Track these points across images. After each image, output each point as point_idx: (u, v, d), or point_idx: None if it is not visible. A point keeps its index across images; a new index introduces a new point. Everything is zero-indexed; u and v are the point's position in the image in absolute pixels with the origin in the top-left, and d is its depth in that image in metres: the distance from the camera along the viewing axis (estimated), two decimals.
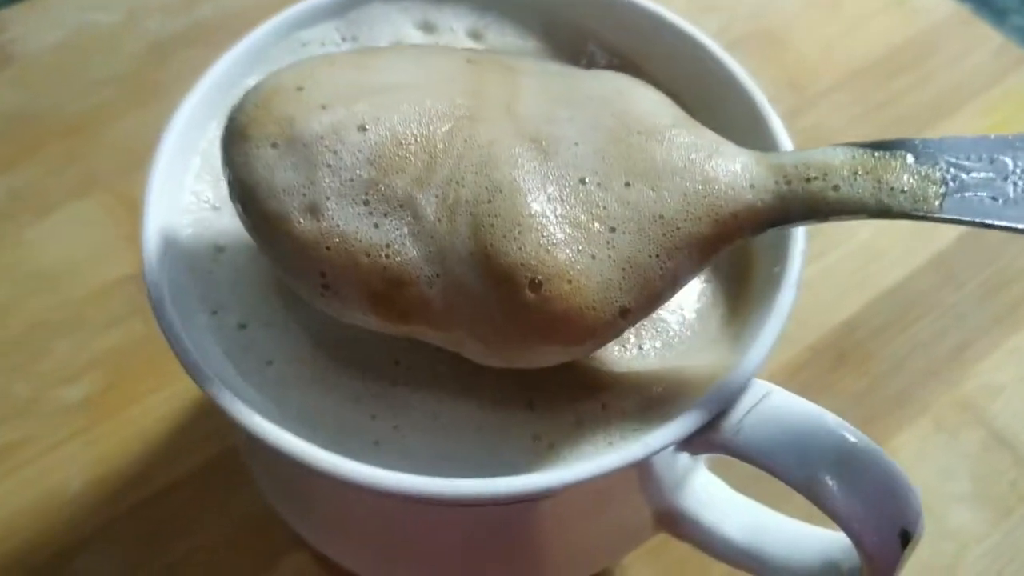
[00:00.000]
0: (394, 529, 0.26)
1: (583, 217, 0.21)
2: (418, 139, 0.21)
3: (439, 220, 0.21)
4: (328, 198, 0.21)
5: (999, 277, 0.42)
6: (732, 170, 0.22)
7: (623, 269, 0.21)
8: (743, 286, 0.25)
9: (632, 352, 0.24)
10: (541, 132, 0.22)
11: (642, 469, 0.25)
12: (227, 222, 0.26)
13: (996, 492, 0.36)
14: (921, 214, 0.21)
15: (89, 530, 0.35)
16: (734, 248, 0.22)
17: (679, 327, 0.25)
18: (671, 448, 0.22)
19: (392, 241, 0.21)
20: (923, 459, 0.37)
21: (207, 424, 0.37)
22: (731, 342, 0.24)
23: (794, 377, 0.39)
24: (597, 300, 0.21)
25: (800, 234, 0.24)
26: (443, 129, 0.22)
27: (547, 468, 0.22)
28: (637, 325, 0.24)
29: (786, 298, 0.23)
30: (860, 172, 0.21)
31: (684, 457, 0.26)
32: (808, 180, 0.21)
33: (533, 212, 0.21)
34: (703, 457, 0.28)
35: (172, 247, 0.25)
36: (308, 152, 0.21)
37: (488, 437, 0.23)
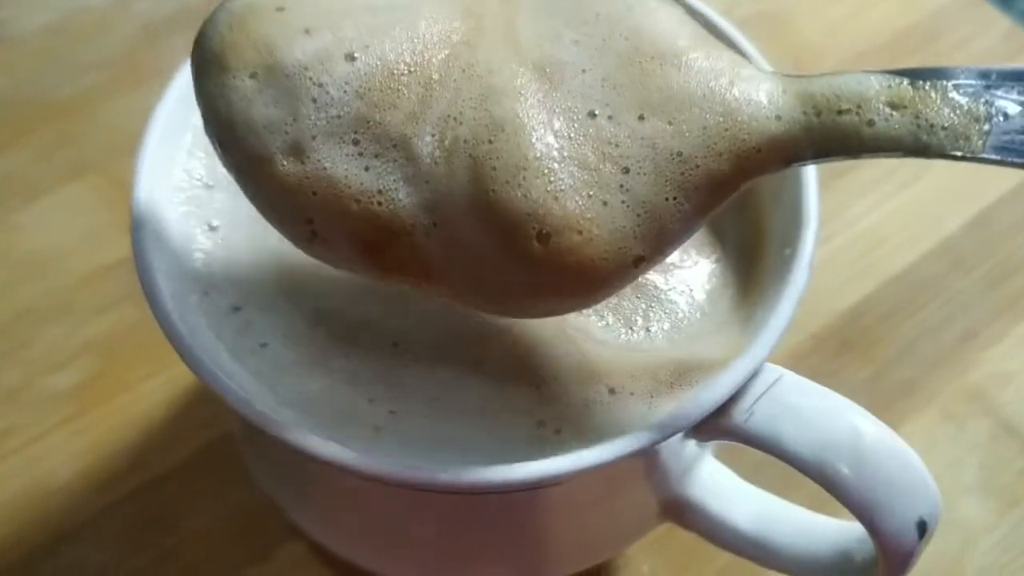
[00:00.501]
0: (392, 517, 0.26)
1: (593, 157, 0.19)
2: (412, 69, 0.19)
3: (435, 163, 0.19)
4: (314, 137, 0.19)
5: (1007, 263, 0.41)
6: (756, 99, 0.19)
7: (637, 215, 0.19)
8: (754, 267, 0.25)
9: (640, 334, 0.24)
10: (545, 57, 0.20)
11: (649, 456, 0.24)
12: (220, 200, 0.25)
13: (1004, 482, 0.36)
14: (961, 154, 0.19)
15: (79, 520, 0.34)
16: (749, 196, 0.21)
17: (688, 309, 0.24)
18: (679, 435, 0.21)
19: (385, 187, 0.19)
20: (930, 449, 0.36)
21: (200, 412, 0.36)
22: (742, 325, 0.23)
23: (799, 364, 0.38)
24: (609, 250, 0.19)
25: (813, 215, 0.24)
26: (439, 57, 0.19)
27: (552, 454, 0.21)
28: (645, 306, 0.23)
29: (799, 280, 0.23)
30: (897, 105, 0.19)
31: (691, 444, 0.26)
32: (840, 112, 0.19)
33: (539, 154, 0.19)
34: (710, 444, 0.27)
35: (163, 226, 0.24)
36: (291, 84, 0.19)
37: (491, 422, 0.22)
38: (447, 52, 0.20)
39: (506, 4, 0.21)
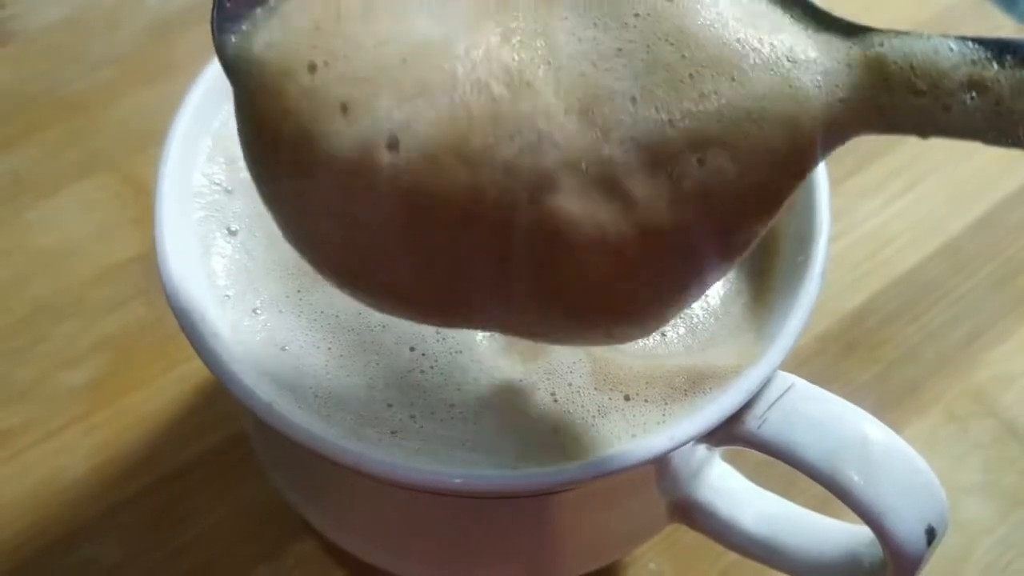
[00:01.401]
0: (406, 518, 0.26)
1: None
2: (456, 149, 0.17)
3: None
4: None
5: (1010, 265, 0.42)
6: (817, 90, 0.17)
7: None
8: (767, 274, 0.25)
9: (655, 339, 0.24)
10: (589, 91, 0.17)
11: (661, 461, 0.24)
12: (239, 205, 0.25)
13: (1007, 483, 0.36)
14: None
15: (92, 517, 0.34)
16: None
17: (703, 314, 0.24)
18: (692, 441, 0.22)
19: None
20: (934, 450, 0.37)
21: (213, 409, 0.36)
22: (755, 332, 0.24)
23: (804, 366, 0.38)
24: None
25: (825, 224, 0.24)
26: (482, 117, 0.17)
27: (567, 461, 0.21)
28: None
29: (811, 289, 0.23)
30: (979, 86, 0.17)
31: (702, 448, 0.26)
32: (915, 93, 0.17)
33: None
34: (719, 449, 0.28)
35: (184, 231, 0.24)
36: (335, 195, 0.18)
37: (507, 428, 0.22)
38: (489, 109, 0.17)
39: (543, 10, 0.18)
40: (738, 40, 0.18)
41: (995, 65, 0.17)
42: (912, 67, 0.17)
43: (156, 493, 0.35)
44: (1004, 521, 0.35)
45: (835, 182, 0.43)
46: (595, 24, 0.18)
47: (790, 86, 0.17)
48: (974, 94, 0.17)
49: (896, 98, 0.17)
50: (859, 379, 0.38)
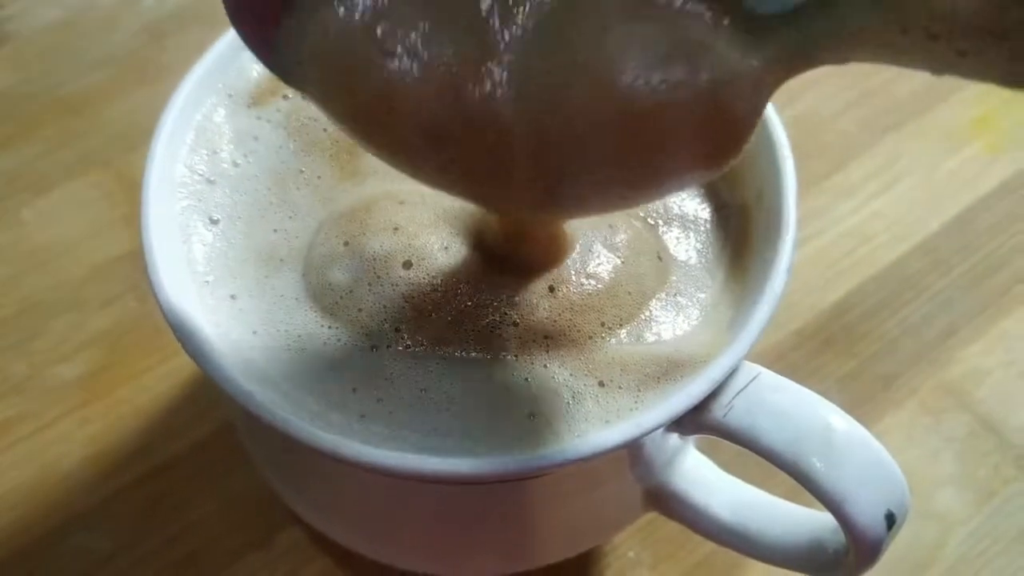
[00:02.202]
0: (384, 505, 0.27)
1: None
2: None
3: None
4: None
5: (987, 263, 0.42)
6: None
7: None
8: (737, 271, 0.26)
9: (630, 328, 0.25)
10: None
11: (634, 449, 0.25)
12: (220, 195, 0.26)
13: (980, 475, 0.37)
14: None
15: (85, 506, 0.35)
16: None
17: (678, 306, 0.25)
18: (662, 428, 0.22)
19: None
20: (909, 442, 0.38)
21: (203, 401, 0.37)
22: (725, 324, 0.24)
23: (781, 360, 0.39)
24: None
25: (791, 223, 0.25)
26: None
27: (542, 446, 0.22)
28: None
29: (776, 286, 0.24)
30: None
31: (674, 437, 0.27)
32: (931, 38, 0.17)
33: None
34: (692, 437, 0.28)
35: (167, 220, 0.25)
36: None
37: (481, 413, 0.23)
38: None
39: None
40: None
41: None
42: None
43: (148, 483, 0.35)
44: (978, 512, 0.36)
45: (814, 181, 0.44)
46: None
47: None
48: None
49: (911, 41, 0.17)
50: (836, 373, 0.39)
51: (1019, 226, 0.43)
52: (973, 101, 0.48)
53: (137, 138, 0.43)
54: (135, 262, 0.40)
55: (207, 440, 0.36)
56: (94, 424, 0.37)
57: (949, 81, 0.48)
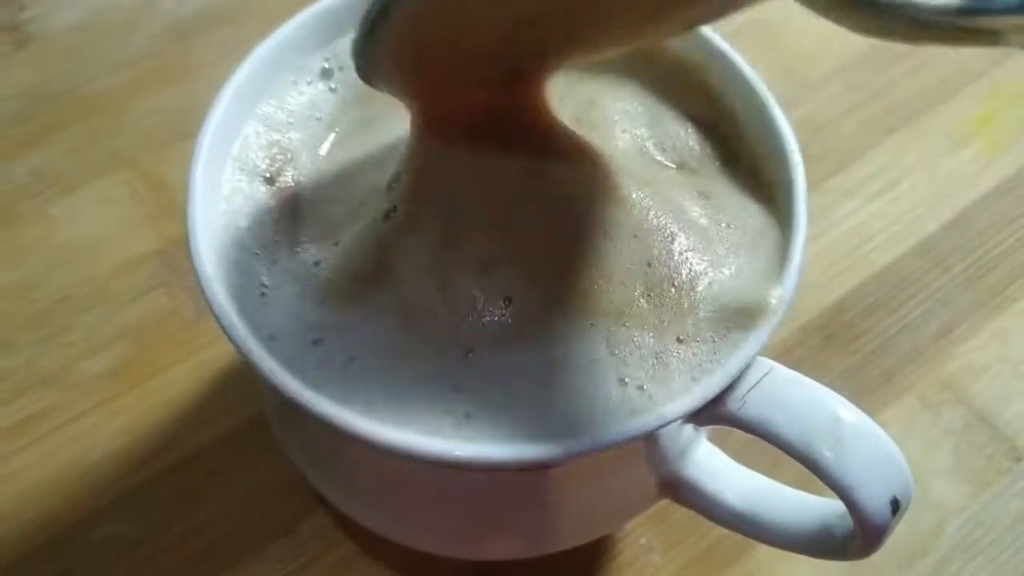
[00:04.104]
0: (412, 490, 0.28)
1: None
2: None
3: None
4: None
5: (982, 263, 0.44)
6: None
7: None
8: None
9: (652, 324, 0.26)
10: None
11: (651, 439, 0.27)
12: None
13: (975, 467, 0.38)
14: None
15: (113, 497, 0.36)
16: None
17: (695, 306, 0.26)
18: (680, 420, 0.24)
19: None
20: (908, 435, 0.39)
21: (228, 395, 0.38)
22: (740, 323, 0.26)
23: (787, 355, 0.40)
24: None
25: (802, 225, 0.26)
26: None
27: (563, 438, 0.23)
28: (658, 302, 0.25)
29: (788, 285, 0.25)
30: None
31: (688, 428, 0.28)
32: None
33: None
34: (705, 429, 0.30)
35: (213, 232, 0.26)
36: None
37: (505, 405, 0.24)
38: None
39: None
40: None
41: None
42: None
43: (175, 474, 0.36)
44: (973, 501, 0.38)
45: (816, 183, 0.45)
46: None
47: None
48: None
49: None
50: (838, 367, 0.40)
51: (1016, 225, 0.45)
52: (975, 101, 0.49)
53: (161, 137, 0.44)
54: (163, 258, 0.41)
55: (233, 432, 0.37)
56: (123, 416, 0.37)
57: (951, 82, 0.50)
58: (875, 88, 0.49)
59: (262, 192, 0.27)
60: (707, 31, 0.30)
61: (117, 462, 0.37)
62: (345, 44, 0.30)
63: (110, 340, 0.39)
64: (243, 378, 0.38)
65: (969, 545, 0.37)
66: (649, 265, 0.25)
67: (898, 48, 0.51)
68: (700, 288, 0.25)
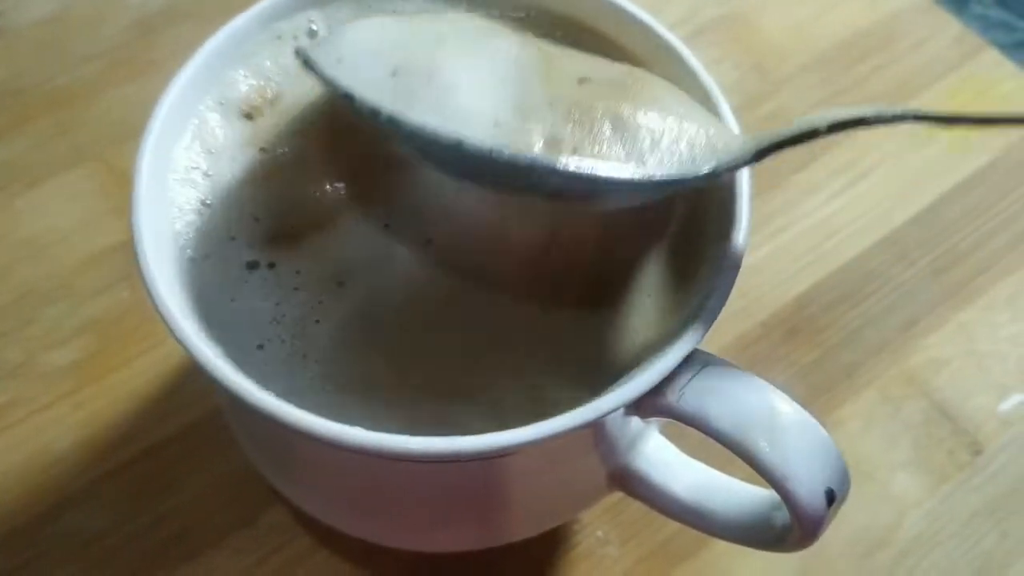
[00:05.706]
0: (359, 483, 0.28)
1: None
2: None
3: None
4: None
5: (948, 257, 0.44)
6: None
7: None
8: (692, 262, 0.27)
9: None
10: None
11: (596, 430, 0.27)
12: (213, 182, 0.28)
13: (935, 460, 0.39)
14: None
15: (77, 488, 0.36)
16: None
17: (640, 301, 0.27)
18: (620, 411, 0.24)
19: None
20: (868, 428, 0.39)
21: (191, 387, 0.38)
22: (680, 314, 0.26)
23: (747, 349, 0.41)
24: None
25: (743, 222, 0.26)
26: None
27: (506, 427, 0.23)
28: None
29: (728, 278, 0.25)
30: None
31: (636, 421, 0.28)
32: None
33: None
34: (655, 422, 0.30)
35: (156, 212, 0.26)
36: None
37: (446, 397, 0.24)
38: None
39: None
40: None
41: None
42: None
43: (138, 465, 0.37)
44: (932, 495, 0.38)
45: (781, 178, 0.45)
46: None
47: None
48: None
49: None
50: (800, 362, 0.41)
51: (983, 219, 0.45)
52: (944, 96, 0.49)
53: (128, 131, 0.43)
54: (127, 252, 0.41)
55: (196, 423, 0.37)
56: (86, 408, 0.38)
57: (920, 77, 0.49)
58: (844, 83, 0.49)
59: (206, 183, 0.28)
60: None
61: (80, 454, 0.37)
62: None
63: (74, 333, 0.39)
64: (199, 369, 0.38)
65: (928, 538, 0.37)
66: None
67: (868, 43, 0.51)
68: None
